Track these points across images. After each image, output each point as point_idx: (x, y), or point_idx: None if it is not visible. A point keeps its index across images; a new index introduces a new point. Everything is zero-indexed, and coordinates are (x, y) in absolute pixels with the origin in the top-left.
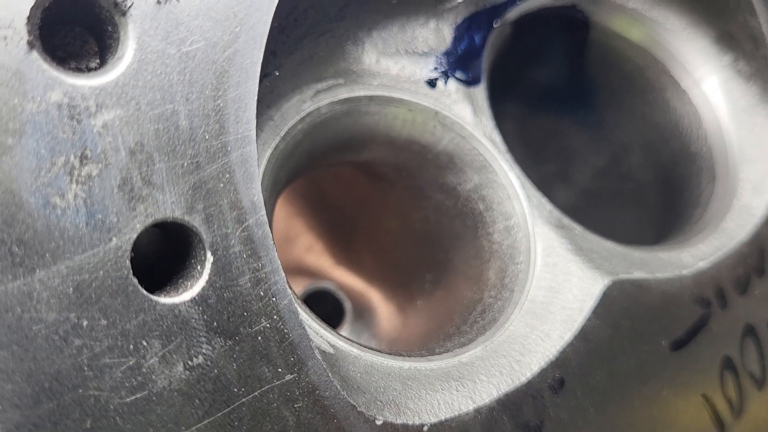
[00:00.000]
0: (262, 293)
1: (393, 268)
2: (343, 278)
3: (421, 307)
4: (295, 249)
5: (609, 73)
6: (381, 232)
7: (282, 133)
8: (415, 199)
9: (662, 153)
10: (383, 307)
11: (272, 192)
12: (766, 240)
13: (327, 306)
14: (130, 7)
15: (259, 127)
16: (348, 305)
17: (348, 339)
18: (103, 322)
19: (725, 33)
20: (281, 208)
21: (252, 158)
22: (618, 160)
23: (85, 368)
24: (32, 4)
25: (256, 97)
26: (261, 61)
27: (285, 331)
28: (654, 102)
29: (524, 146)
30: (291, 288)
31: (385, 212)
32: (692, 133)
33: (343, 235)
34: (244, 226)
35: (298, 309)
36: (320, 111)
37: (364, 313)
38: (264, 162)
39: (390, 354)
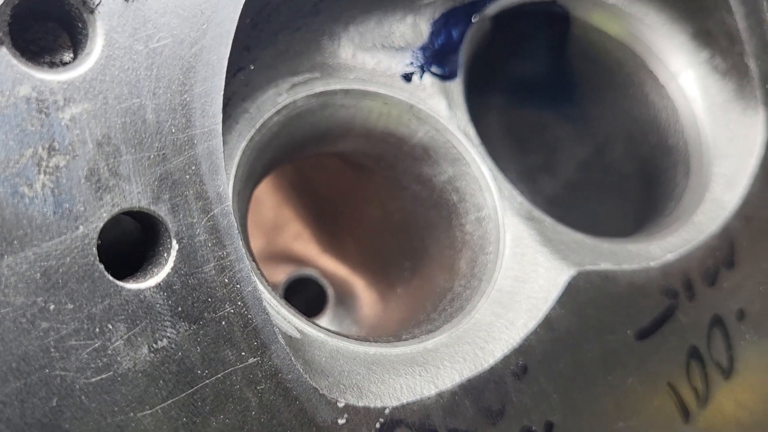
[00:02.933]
0: (226, 280)
1: (375, 256)
2: (329, 265)
3: (400, 294)
4: (283, 236)
5: (590, 67)
6: (364, 220)
7: (258, 125)
8: (393, 190)
9: (642, 146)
10: (365, 294)
11: (247, 183)
12: (736, 233)
13: (310, 292)
14: (98, 4)
15: (234, 119)
16: (330, 291)
17: (317, 325)
18: (70, 306)
19: (702, 30)
20: (270, 196)
21: (218, 151)
22: (599, 152)
23: (52, 350)
24: (1, 1)
25: (222, 92)
26: (228, 57)
27: (249, 316)
28: (633, 96)
29: (507, 138)
30: (263, 275)
31: (366, 201)
32: (670, 127)
33: (329, 223)
34: (209, 215)
35: (263, 295)
36: (296, 104)
37: (346, 300)
38: (239, 153)
39: (357, 339)
